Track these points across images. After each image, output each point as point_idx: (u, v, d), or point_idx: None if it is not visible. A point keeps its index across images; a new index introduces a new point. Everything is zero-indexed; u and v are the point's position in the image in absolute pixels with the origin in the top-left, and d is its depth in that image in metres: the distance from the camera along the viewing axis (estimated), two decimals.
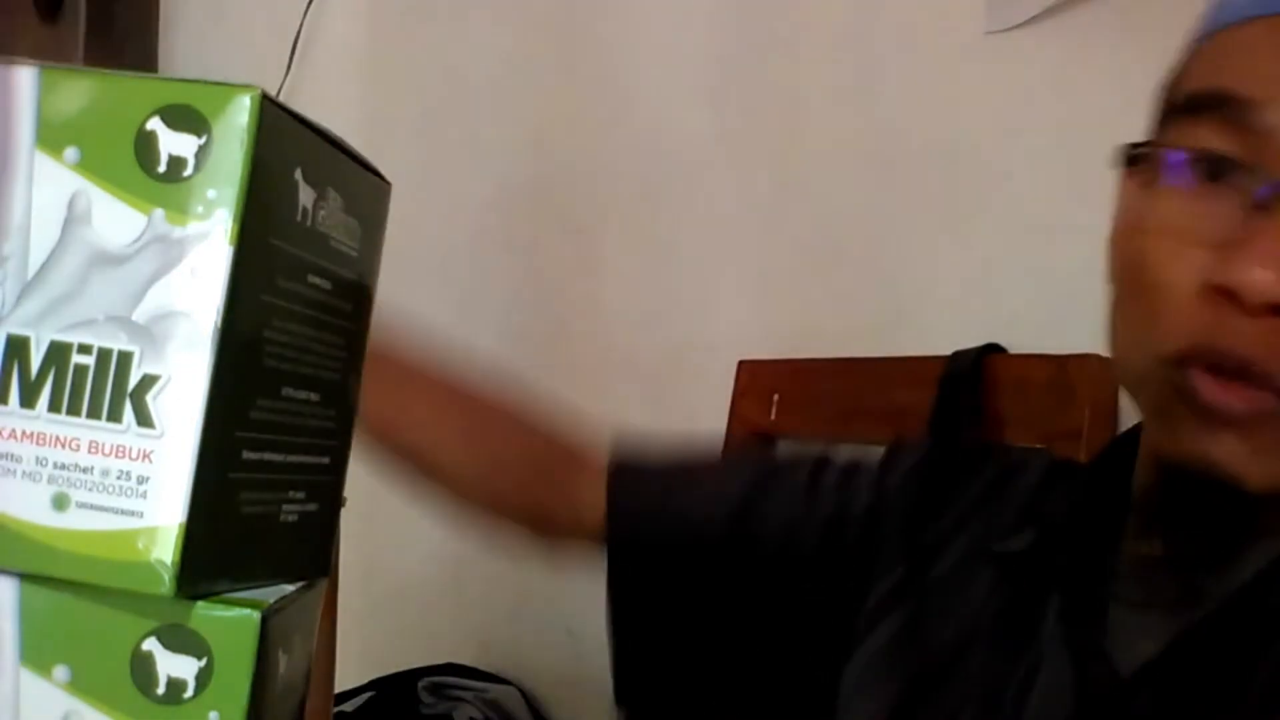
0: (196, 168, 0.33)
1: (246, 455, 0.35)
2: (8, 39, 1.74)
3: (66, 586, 0.34)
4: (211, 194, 0.33)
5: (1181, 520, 0.57)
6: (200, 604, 0.34)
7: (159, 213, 0.33)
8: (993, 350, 1.10)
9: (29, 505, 0.33)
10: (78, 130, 0.34)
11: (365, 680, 1.47)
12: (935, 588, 0.69)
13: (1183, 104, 0.57)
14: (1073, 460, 1.02)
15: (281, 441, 0.37)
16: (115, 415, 0.33)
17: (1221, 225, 0.53)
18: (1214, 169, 0.54)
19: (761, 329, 1.36)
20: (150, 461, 0.33)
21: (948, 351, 1.12)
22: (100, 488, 0.33)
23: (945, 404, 1.11)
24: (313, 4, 1.80)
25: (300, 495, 0.39)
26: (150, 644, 0.33)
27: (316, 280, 0.37)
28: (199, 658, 0.33)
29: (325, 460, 0.40)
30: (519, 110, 1.66)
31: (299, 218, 0.36)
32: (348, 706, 1.42)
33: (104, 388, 0.33)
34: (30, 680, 0.33)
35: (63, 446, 0.33)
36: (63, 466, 0.33)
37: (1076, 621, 0.61)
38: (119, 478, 0.33)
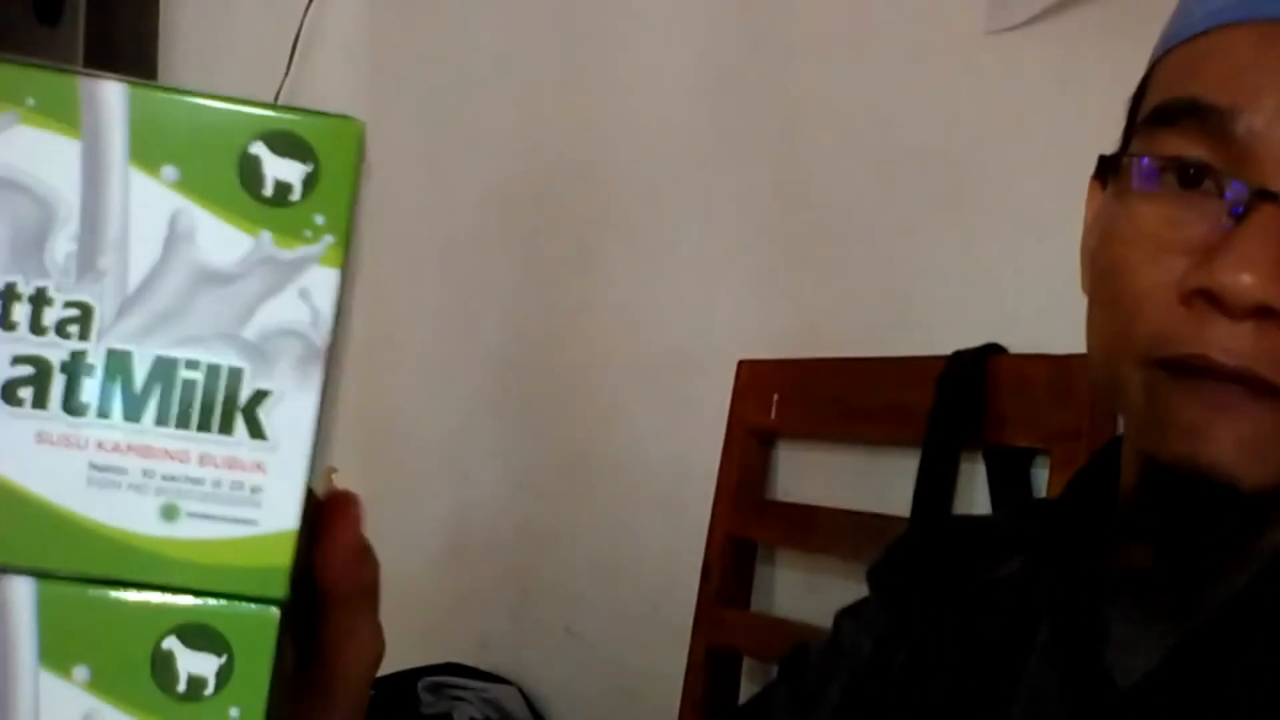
0: (304, 193, 0.35)
1: (317, 460, 0.37)
2: (7, 42, 1.74)
3: (86, 586, 0.34)
4: (319, 219, 0.35)
5: (1172, 525, 0.56)
6: (220, 601, 0.34)
7: (266, 234, 0.35)
8: (993, 350, 1.10)
9: (136, 516, 0.34)
10: (173, 150, 0.34)
11: None
12: (921, 631, 0.68)
13: (1155, 113, 0.57)
14: (1039, 497, 1.02)
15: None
16: (227, 428, 0.34)
17: (1199, 231, 0.53)
18: (1189, 177, 0.54)
19: (761, 329, 1.36)
20: (264, 472, 0.35)
21: (948, 351, 1.12)
22: (212, 498, 0.34)
23: (945, 404, 1.11)
24: (313, 4, 1.80)
25: None
26: (170, 642, 0.34)
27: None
28: (219, 655, 0.34)
29: None
30: (519, 110, 1.66)
31: None
32: None
33: (214, 402, 0.34)
34: (50, 681, 0.33)
35: (171, 458, 0.34)
36: (171, 478, 0.34)
37: (1070, 638, 0.60)
38: (232, 488, 0.34)
